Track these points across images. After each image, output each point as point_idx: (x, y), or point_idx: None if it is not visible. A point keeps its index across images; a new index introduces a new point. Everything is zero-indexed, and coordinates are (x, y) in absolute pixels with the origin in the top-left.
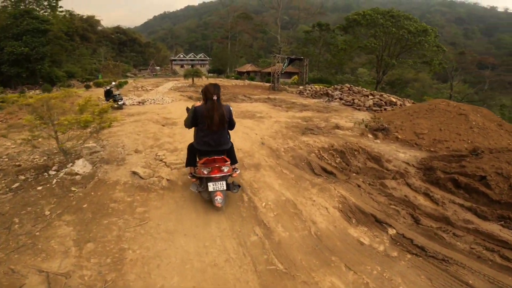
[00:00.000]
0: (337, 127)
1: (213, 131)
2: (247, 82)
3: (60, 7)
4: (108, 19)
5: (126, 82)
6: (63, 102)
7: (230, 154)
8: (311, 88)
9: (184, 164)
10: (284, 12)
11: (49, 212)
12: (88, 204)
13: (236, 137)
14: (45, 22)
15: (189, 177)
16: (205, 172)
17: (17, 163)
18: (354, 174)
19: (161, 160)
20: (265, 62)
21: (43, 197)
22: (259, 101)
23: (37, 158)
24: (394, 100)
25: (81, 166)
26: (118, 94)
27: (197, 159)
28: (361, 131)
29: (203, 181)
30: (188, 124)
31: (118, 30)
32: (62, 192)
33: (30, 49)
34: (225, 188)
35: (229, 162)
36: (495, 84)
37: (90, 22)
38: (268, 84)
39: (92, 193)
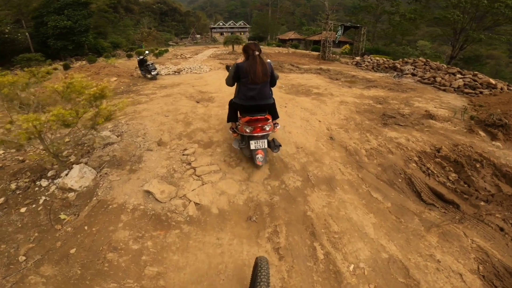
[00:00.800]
0: (430, 115)
1: (256, 84)
2: (291, 50)
3: None
4: None
5: (166, 50)
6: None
7: (272, 110)
8: (371, 60)
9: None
10: None
11: (24, 258)
12: (78, 249)
13: (293, 125)
14: None
15: (230, 132)
16: (248, 131)
17: (21, 158)
18: (482, 203)
19: (189, 164)
20: (309, 30)
21: (23, 227)
22: (310, 72)
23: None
24: (493, 82)
25: (76, 178)
26: (152, 64)
27: (239, 115)
28: (466, 124)
29: (244, 138)
30: (230, 81)
31: (158, 0)
32: (47, 220)
33: (73, 22)
34: (266, 146)
35: (270, 121)
36: None
37: None
38: (316, 53)
39: (86, 228)
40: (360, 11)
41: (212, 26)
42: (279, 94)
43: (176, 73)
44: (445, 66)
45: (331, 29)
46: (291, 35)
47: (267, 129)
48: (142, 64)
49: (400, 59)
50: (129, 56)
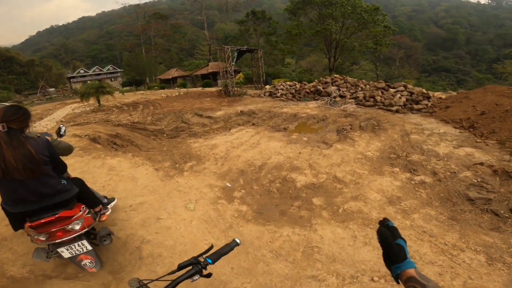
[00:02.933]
0: None
1: (21, 180)
2: (182, 90)
3: None
4: None
5: None
6: None
7: (83, 198)
8: (283, 86)
9: None
10: (198, 13)
11: None
12: None
13: None
14: None
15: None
16: (43, 239)
17: None
18: None
19: None
20: (192, 64)
21: None
22: (234, 122)
23: None
24: (424, 91)
25: None
26: None
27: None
28: None
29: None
30: None
31: None
32: None
33: None
34: (89, 248)
35: (81, 213)
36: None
37: None
38: (213, 89)
39: None
40: (241, 35)
41: (69, 75)
42: None
43: None
44: (356, 80)
45: (229, 55)
46: (174, 72)
47: (77, 228)
48: None
49: (316, 80)
50: None
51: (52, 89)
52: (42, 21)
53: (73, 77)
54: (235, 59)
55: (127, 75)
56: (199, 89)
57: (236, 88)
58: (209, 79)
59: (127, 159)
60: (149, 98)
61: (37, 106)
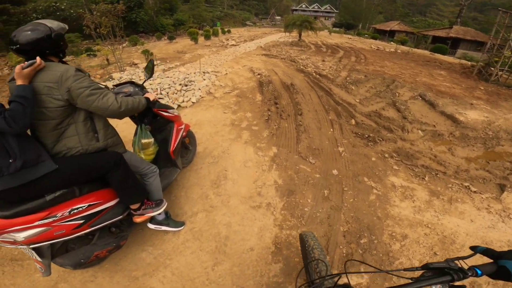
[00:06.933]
0: None
1: None
2: (400, 48)
3: None
4: None
5: (228, 31)
6: None
7: (116, 187)
8: None
9: None
10: None
11: None
12: None
13: None
14: None
15: None
16: None
17: None
18: None
19: None
20: (422, 21)
21: None
22: None
23: None
24: None
25: None
26: None
27: None
28: None
29: None
30: None
31: None
32: None
33: None
34: (38, 259)
35: (39, 223)
36: None
37: None
38: (451, 60)
39: None
40: None
41: (293, 8)
42: None
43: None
44: None
45: None
46: (395, 25)
47: (19, 239)
48: None
49: None
50: (171, 38)
51: (278, 17)
52: None
53: (296, 10)
54: None
55: (341, 17)
56: (427, 52)
57: (501, 73)
58: (446, 44)
59: (255, 173)
60: (355, 45)
61: (263, 29)
